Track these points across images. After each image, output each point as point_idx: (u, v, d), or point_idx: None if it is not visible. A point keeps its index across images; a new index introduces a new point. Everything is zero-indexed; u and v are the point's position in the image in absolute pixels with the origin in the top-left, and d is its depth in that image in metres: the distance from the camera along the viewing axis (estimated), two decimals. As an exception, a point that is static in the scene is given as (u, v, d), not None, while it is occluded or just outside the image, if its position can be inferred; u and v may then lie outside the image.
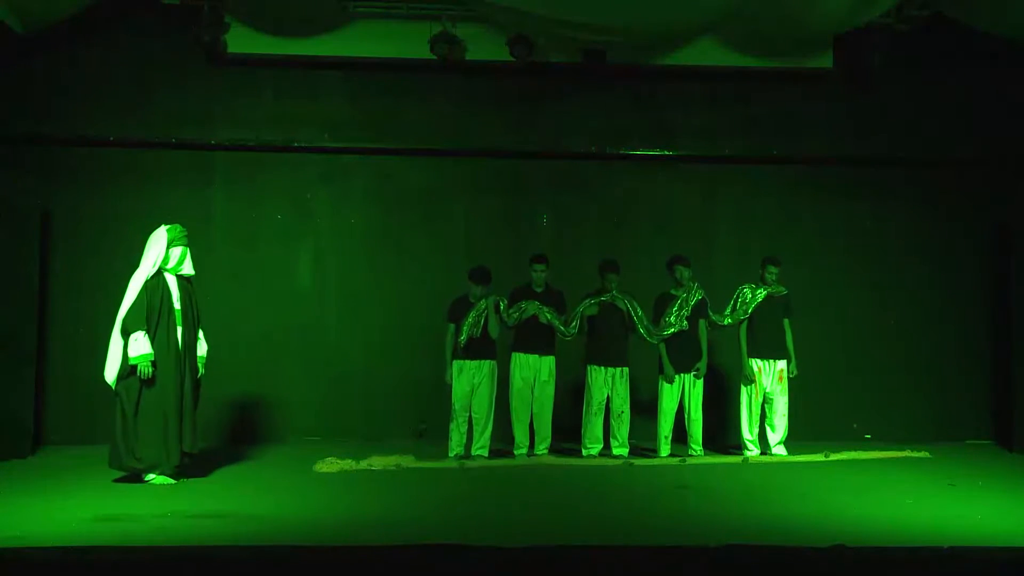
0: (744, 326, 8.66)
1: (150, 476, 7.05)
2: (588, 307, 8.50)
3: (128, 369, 6.99)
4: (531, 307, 8.41)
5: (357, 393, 9.56)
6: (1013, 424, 9.31)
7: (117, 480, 7.12)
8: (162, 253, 7.17)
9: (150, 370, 6.98)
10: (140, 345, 6.94)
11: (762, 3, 8.81)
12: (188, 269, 7.33)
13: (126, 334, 6.99)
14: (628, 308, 8.48)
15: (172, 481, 7.07)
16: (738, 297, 8.71)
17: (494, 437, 8.45)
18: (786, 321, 8.67)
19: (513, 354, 8.53)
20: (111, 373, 7.05)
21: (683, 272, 8.56)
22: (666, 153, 9.91)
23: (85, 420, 9.05)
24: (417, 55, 9.13)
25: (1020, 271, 9.37)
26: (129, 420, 6.99)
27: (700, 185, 10.01)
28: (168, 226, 7.28)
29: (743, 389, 8.68)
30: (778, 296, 8.67)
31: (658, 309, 8.63)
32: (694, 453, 8.54)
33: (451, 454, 8.34)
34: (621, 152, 9.92)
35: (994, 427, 9.78)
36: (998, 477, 7.77)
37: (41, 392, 8.96)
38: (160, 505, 6.26)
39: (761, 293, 8.63)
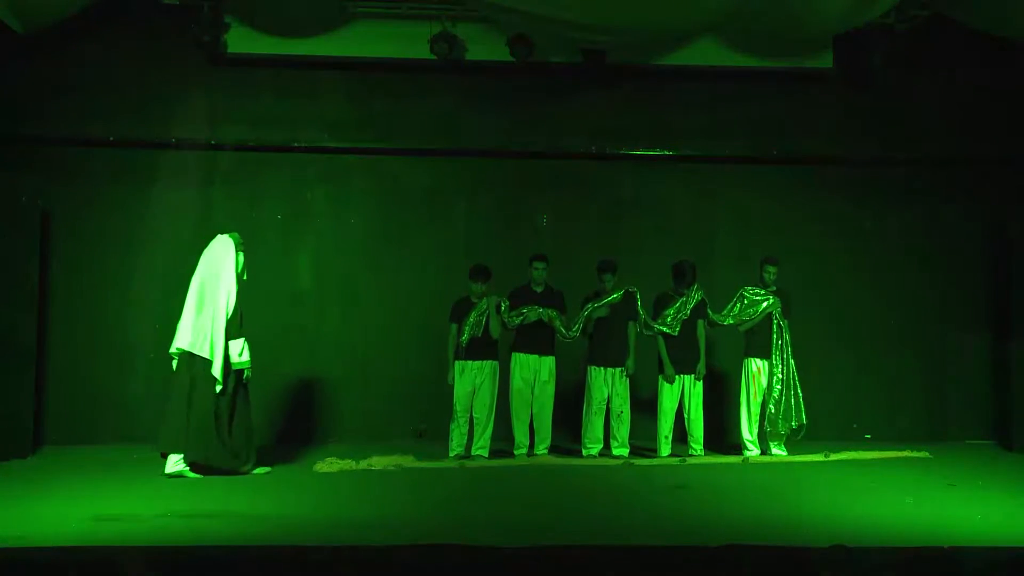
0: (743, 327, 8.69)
1: (179, 468, 7.28)
2: (596, 310, 8.49)
3: (226, 372, 7.33)
4: (532, 313, 8.41)
5: (357, 393, 9.57)
6: (1013, 424, 9.32)
7: (198, 472, 7.28)
8: (234, 259, 7.45)
9: (250, 374, 7.48)
10: (245, 352, 7.40)
11: (762, 3, 8.80)
12: (244, 275, 7.63)
13: (228, 337, 7.31)
14: (636, 296, 8.50)
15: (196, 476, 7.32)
16: (743, 298, 8.69)
17: (494, 437, 8.44)
18: (784, 322, 8.66)
19: (513, 354, 8.53)
20: (218, 369, 7.28)
21: (686, 290, 8.57)
22: (666, 153, 9.91)
23: (85, 420, 9.08)
24: (417, 55, 9.15)
25: (1020, 271, 9.37)
26: (225, 421, 7.32)
27: (700, 185, 10.01)
28: (229, 234, 7.55)
29: (743, 389, 8.69)
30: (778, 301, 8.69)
31: (657, 309, 8.64)
32: (694, 453, 8.54)
33: (451, 454, 8.34)
34: (621, 152, 9.92)
35: (994, 427, 9.77)
36: (998, 477, 7.77)
37: (41, 392, 8.94)
38: (160, 505, 6.26)
39: (770, 302, 8.60)
